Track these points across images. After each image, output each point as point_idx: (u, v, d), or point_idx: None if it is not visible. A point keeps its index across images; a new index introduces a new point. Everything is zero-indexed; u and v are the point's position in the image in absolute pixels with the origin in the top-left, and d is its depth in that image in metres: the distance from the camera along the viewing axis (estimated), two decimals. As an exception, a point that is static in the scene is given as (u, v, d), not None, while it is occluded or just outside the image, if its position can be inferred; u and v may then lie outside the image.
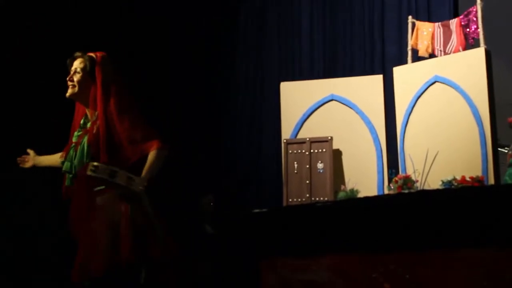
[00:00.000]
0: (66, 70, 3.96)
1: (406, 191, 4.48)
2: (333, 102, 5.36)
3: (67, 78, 3.85)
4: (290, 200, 5.13)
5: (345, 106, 5.32)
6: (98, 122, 3.74)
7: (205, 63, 7.16)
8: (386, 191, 4.92)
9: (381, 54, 6.49)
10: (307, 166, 5.14)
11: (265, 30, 7.13)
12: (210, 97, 7.10)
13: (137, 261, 3.60)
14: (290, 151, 5.21)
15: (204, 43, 7.21)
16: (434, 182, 4.62)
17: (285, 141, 5.26)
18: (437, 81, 5.01)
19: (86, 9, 6.43)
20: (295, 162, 5.20)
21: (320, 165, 5.13)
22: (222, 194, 6.57)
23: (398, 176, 4.75)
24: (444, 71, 4.98)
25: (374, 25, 6.56)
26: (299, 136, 5.33)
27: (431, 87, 5.04)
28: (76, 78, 3.83)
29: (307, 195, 5.08)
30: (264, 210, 3.47)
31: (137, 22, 6.79)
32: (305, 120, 5.36)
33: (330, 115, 5.33)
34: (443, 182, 4.49)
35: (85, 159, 3.72)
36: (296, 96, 5.43)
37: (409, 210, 2.73)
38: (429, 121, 5.00)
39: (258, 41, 7.14)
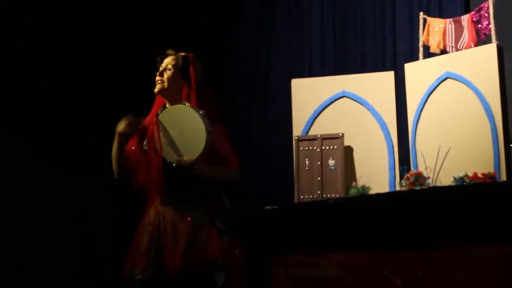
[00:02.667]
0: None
1: (418, 187, 4.46)
2: (345, 98, 5.35)
3: (157, 74, 3.85)
4: (302, 197, 5.13)
5: (356, 102, 5.30)
6: None
7: (212, 59, 7.15)
8: (397, 188, 4.91)
9: (392, 50, 6.47)
10: (319, 163, 5.13)
11: (274, 25, 7.12)
12: (218, 94, 7.09)
13: (214, 266, 3.60)
14: (301, 148, 5.21)
15: (211, 39, 7.20)
16: (446, 179, 4.60)
17: (296, 138, 5.25)
18: (449, 77, 4.99)
19: (90, 8, 6.44)
20: (306, 159, 5.19)
21: (331, 162, 5.12)
22: (231, 191, 6.58)
23: (410, 172, 4.74)
24: (455, 67, 4.96)
25: (385, 21, 6.55)
26: (310, 133, 5.32)
27: (442, 83, 5.03)
28: (166, 74, 3.84)
29: (319, 192, 5.07)
30: (275, 207, 3.47)
31: (137, 20, 6.79)
32: (316, 117, 5.36)
33: (341, 112, 5.32)
34: (455, 179, 4.47)
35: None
36: (307, 93, 5.42)
37: (420, 207, 2.72)
38: (440, 117, 4.99)
39: (268, 37, 7.13)
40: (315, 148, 5.18)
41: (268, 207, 3.54)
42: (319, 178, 5.12)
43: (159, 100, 3.97)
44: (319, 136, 5.20)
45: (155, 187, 3.78)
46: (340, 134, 5.14)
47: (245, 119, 6.99)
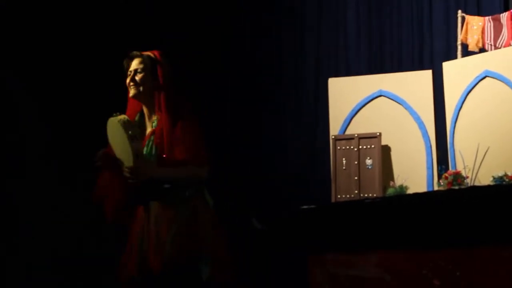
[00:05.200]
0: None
1: (457, 187, 4.44)
2: (382, 97, 5.33)
3: (128, 79, 3.84)
4: (339, 196, 5.13)
5: (393, 101, 5.28)
6: (162, 123, 3.74)
7: (250, 60, 7.17)
8: (435, 188, 4.88)
9: (430, 49, 6.43)
10: (356, 162, 5.13)
11: (311, 24, 7.12)
12: (256, 94, 7.11)
13: (198, 259, 3.62)
14: (339, 147, 5.20)
15: (249, 39, 7.22)
16: (485, 178, 4.57)
17: (333, 137, 5.25)
18: (488, 76, 4.95)
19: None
20: (344, 158, 5.18)
21: (368, 161, 5.11)
22: (270, 190, 6.59)
23: (448, 172, 4.71)
24: (494, 66, 4.91)
25: (422, 19, 6.51)
26: (347, 132, 5.31)
27: (481, 82, 4.99)
28: (138, 77, 3.82)
29: (356, 192, 5.07)
30: (312, 206, 3.47)
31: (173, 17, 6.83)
32: (353, 116, 5.35)
33: (378, 111, 5.31)
34: (494, 178, 4.44)
35: (152, 159, 3.74)
36: (344, 92, 5.41)
37: (459, 207, 2.71)
38: (479, 116, 4.95)
39: (304, 36, 7.13)
40: (352, 147, 5.17)
41: (305, 207, 3.54)
42: (356, 178, 5.11)
43: (132, 104, 3.93)
44: (356, 135, 5.19)
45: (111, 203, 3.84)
46: (378, 134, 5.13)
47: (281, 118, 7.00)
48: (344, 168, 5.18)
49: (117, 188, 3.78)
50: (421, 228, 2.77)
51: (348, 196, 5.10)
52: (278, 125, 7.03)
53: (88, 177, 3.83)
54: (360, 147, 5.15)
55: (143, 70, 3.81)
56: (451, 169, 4.89)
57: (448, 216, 2.72)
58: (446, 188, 4.53)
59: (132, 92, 3.83)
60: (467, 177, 4.66)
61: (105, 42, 6.22)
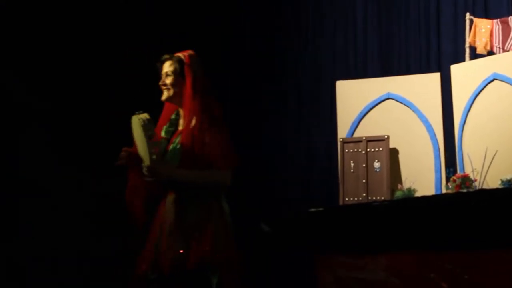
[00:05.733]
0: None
1: (465, 190, 4.43)
2: (390, 100, 5.33)
3: (160, 82, 3.88)
4: (347, 199, 5.12)
5: (401, 104, 5.28)
6: (189, 124, 3.76)
7: (256, 59, 7.17)
8: (444, 191, 4.87)
9: (438, 51, 6.43)
10: (364, 165, 5.12)
11: (318, 27, 7.12)
12: (264, 95, 7.12)
13: (209, 264, 3.62)
14: (347, 150, 5.20)
15: (251, 40, 7.23)
16: (493, 181, 4.56)
17: (341, 140, 5.25)
18: (496, 79, 4.94)
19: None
20: (352, 161, 5.18)
21: (376, 164, 5.10)
22: (277, 193, 6.59)
23: (456, 175, 4.70)
24: (503, 69, 4.90)
25: (430, 22, 6.51)
26: (355, 135, 5.30)
27: (489, 85, 4.98)
28: (168, 81, 3.86)
29: (364, 194, 5.06)
30: (320, 209, 3.48)
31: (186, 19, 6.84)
32: (361, 119, 5.34)
33: (386, 114, 5.30)
34: (502, 181, 4.43)
35: (176, 160, 3.76)
36: (352, 95, 5.41)
37: (467, 210, 2.71)
38: (487, 119, 4.94)
39: (312, 38, 7.13)
40: (360, 150, 5.17)
41: (313, 209, 3.55)
42: (364, 181, 5.10)
43: (168, 105, 3.98)
44: (364, 138, 5.18)
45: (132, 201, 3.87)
46: (386, 136, 5.12)
47: (289, 121, 7.00)
48: (352, 171, 5.17)
49: (142, 186, 3.81)
50: (429, 231, 2.77)
51: (356, 199, 5.10)
52: (285, 126, 7.03)
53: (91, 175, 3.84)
54: (368, 150, 5.15)
55: (172, 73, 3.86)
56: (459, 172, 4.88)
57: (456, 219, 2.72)
58: (454, 191, 4.52)
59: (163, 95, 3.88)
60: (475, 180, 4.65)
61: (105, 42, 6.24)
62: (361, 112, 5.35)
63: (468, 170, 4.84)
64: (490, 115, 4.94)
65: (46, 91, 5.98)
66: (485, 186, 4.61)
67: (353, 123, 5.34)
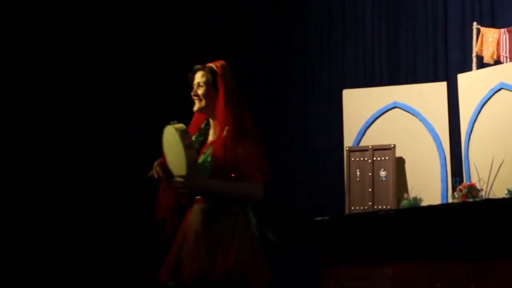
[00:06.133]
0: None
1: (471, 200, 4.42)
2: (396, 109, 5.33)
3: (192, 93, 3.85)
4: (352, 208, 5.12)
5: (408, 113, 5.28)
6: (221, 135, 3.73)
7: (265, 69, 7.18)
8: (450, 200, 4.86)
9: (444, 60, 6.42)
10: (370, 174, 5.12)
11: (328, 36, 7.12)
12: (270, 104, 7.12)
13: (234, 275, 3.59)
14: (353, 159, 5.20)
15: (264, 48, 7.24)
16: (499, 191, 4.55)
17: (347, 148, 5.25)
18: (503, 88, 4.93)
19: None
20: (358, 170, 5.18)
21: (382, 173, 5.10)
22: (283, 202, 6.58)
23: (463, 184, 4.69)
24: (510, 78, 4.90)
25: (437, 31, 6.50)
26: (361, 144, 5.30)
27: (496, 94, 4.97)
28: (200, 91, 3.83)
29: (370, 203, 5.06)
30: (326, 218, 3.47)
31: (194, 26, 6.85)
32: (367, 128, 5.34)
33: (393, 123, 5.30)
34: (508, 191, 4.42)
35: (207, 171, 3.74)
36: (359, 104, 5.41)
37: (474, 219, 2.70)
38: (494, 128, 4.93)
39: (319, 47, 7.14)
40: (366, 159, 5.16)
41: (319, 218, 3.54)
42: (370, 189, 5.10)
43: (198, 114, 3.95)
44: (370, 147, 5.18)
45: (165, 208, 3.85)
46: (392, 145, 5.12)
47: (295, 129, 7.00)
48: (358, 179, 5.17)
49: (173, 194, 3.78)
50: (435, 241, 2.76)
51: (362, 208, 5.09)
52: (291, 134, 7.03)
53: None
54: (374, 158, 5.14)
55: (205, 83, 3.82)
56: (465, 182, 4.87)
57: (462, 229, 2.71)
58: (460, 200, 4.51)
59: (195, 105, 3.83)
60: (482, 189, 4.64)
61: (105, 42, 6.26)
62: (367, 121, 5.35)
63: (474, 180, 4.83)
64: (496, 124, 4.93)
65: (46, 91, 6.00)
66: (491, 196, 4.61)
67: (359, 132, 5.34)
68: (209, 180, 3.67)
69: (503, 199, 3.12)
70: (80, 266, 5.91)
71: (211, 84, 3.81)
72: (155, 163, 3.79)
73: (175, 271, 3.67)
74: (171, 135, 3.70)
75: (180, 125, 3.69)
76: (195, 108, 3.85)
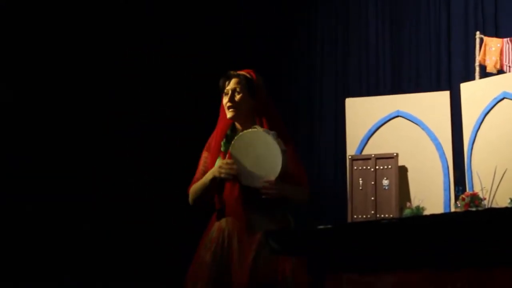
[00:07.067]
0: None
1: (474, 209, 4.41)
2: (399, 118, 5.33)
3: (228, 100, 3.71)
4: (355, 216, 5.11)
5: (411, 122, 5.28)
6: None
7: (269, 77, 7.18)
8: (453, 209, 4.86)
9: (447, 70, 6.43)
10: (372, 183, 5.12)
11: (331, 45, 7.14)
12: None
13: (291, 282, 3.56)
14: (355, 167, 5.20)
15: (267, 58, 7.25)
16: (502, 200, 4.55)
17: (350, 157, 5.25)
18: (506, 98, 4.94)
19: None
20: (360, 179, 5.18)
21: (385, 182, 5.10)
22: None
23: (465, 193, 4.69)
24: (513, 87, 4.91)
25: (440, 40, 6.51)
26: (364, 152, 5.30)
27: (499, 104, 4.97)
28: (237, 98, 3.74)
29: (372, 212, 5.06)
30: (328, 226, 3.46)
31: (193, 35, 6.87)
32: (370, 136, 5.34)
33: (396, 132, 5.30)
34: (511, 200, 4.41)
35: None
36: (362, 112, 5.41)
37: (476, 228, 2.69)
38: (497, 138, 4.93)
39: (322, 56, 7.15)
40: (369, 167, 5.16)
41: (321, 227, 3.53)
42: (372, 198, 5.10)
43: (224, 119, 3.86)
44: (373, 155, 5.18)
45: (233, 213, 3.73)
46: (395, 154, 5.12)
47: (298, 137, 7.00)
48: (360, 188, 5.17)
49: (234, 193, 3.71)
50: (437, 249, 2.76)
51: (364, 216, 5.09)
52: (297, 144, 7.03)
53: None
54: (377, 167, 5.14)
55: (241, 90, 3.75)
56: (468, 191, 4.87)
57: (465, 238, 2.71)
58: (463, 209, 4.51)
59: (230, 113, 3.70)
60: (485, 198, 4.64)
61: (105, 42, 6.27)
62: (370, 130, 5.35)
63: (477, 189, 4.83)
64: (499, 133, 4.93)
65: (46, 91, 6.01)
66: (494, 205, 4.60)
67: (362, 141, 5.35)
68: (283, 184, 3.64)
69: (506, 208, 3.12)
70: (80, 266, 5.91)
71: (247, 91, 3.74)
72: (225, 161, 3.68)
73: (218, 280, 3.59)
74: (257, 139, 3.61)
75: (266, 129, 3.65)
76: (230, 115, 3.71)
